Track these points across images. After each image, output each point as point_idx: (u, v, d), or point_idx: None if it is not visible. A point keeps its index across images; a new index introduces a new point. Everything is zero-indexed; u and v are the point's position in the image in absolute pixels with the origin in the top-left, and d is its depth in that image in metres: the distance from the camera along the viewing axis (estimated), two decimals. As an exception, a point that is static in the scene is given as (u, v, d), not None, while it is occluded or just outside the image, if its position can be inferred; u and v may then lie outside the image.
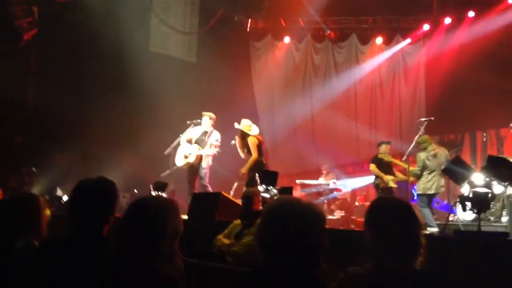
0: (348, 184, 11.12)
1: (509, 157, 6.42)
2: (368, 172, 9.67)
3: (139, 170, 9.17)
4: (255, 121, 8.32)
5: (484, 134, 10.59)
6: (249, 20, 12.66)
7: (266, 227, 1.77)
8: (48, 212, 3.00)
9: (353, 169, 12.04)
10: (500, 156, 7.42)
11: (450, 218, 8.15)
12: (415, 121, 9.08)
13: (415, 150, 7.90)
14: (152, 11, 11.06)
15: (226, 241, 4.58)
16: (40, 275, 2.20)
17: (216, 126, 7.94)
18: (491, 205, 4.56)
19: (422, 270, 1.97)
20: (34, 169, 8.78)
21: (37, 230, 2.78)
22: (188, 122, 8.05)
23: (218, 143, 7.78)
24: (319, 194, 10.37)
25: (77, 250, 2.18)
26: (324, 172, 10.78)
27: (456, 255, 3.85)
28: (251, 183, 6.68)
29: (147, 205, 2.05)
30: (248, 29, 12.75)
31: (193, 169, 7.79)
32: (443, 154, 7.52)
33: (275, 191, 5.67)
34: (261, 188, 5.63)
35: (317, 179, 10.63)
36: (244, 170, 7.15)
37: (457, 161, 5.14)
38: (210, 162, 7.79)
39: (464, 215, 7.13)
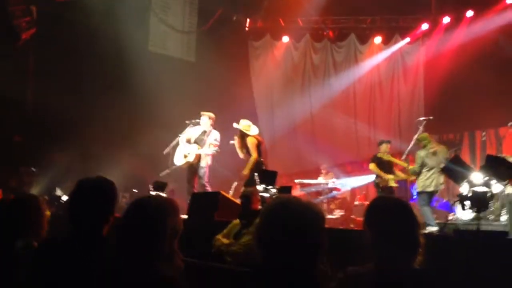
0: (348, 183, 11.12)
1: (508, 156, 6.43)
2: (367, 171, 9.68)
3: (139, 169, 9.17)
4: (254, 120, 8.32)
5: (483, 133, 10.61)
6: (248, 19, 12.65)
7: (265, 227, 1.77)
8: (48, 212, 2.99)
9: (353, 168, 12.06)
10: (499, 155, 7.44)
11: (450, 217, 8.18)
12: (414, 120, 9.08)
13: (415, 149, 7.91)
14: (151, 10, 11.06)
15: (225, 240, 4.58)
16: (40, 275, 2.20)
17: (215, 125, 7.94)
18: (490, 204, 4.57)
19: (421, 269, 1.97)
20: (33, 169, 8.78)
21: (37, 231, 2.78)
22: (187, 121, 8.05)
23: (217, 143, 7.78)
24: (318, 193, 10.37)
25: (76, 250, 2.18)
26: (323, 171, 10.78)
27: (456, 254, 3.85)
28: (250, 183, 6.68)
29: (146, 205, 2.05)
30: (246, 29, 12.75)
31: (192, 168, 7.79)
32: (443, 152, 7.54)
33: (274, 190, 5.67)
34: (260, 187, 5.63)
35: (316, 178, 10.64)
36: (246, 171, 7.10)
37: (456, 161, 5.14)
38: (209, 162, 7.79)
39: (464, 214, 7.15)
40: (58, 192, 8.50)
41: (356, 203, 10.40)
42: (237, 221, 4.79)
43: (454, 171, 4.90)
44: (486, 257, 3.69)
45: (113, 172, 8.21)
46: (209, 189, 7.59)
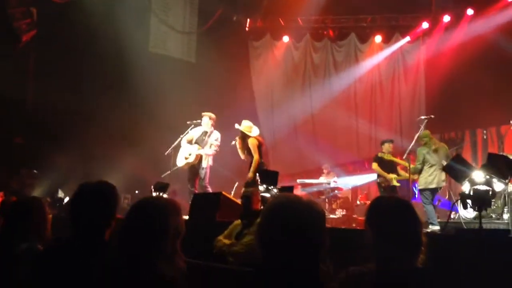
0: (349, 182, 11.12)
1: (510, 154, 6.42)
2: (368, 171, 9.68)
3: (140, 170, 9.17)
4: (255, 120, 8.32)
5: (485, 131, 10.59)
6: (248, 19, 12.66)
7: (265, 226, 1.76)
8: (49, 215, 3.00)
9: (354, 167, 12.05)
10: (501, 153, 7.43)
11: (452, 216, 8.17)
12: (415, 119, 9.08)
13: (416, 147, 7.90)
14: (152, 11, 11.07)
15: (227, 241, 4.59)
16: (42, 279, 2.20)
17: (216, 126, 7.94)
18: (492, 203, 4.56)
19: (424, 268, 1.97)
20: (35, 171, 8.78)
21: (41, 233, 2.78)
22: (188, 122, 8.06)
23: (218, 143, 7.80)
24: (320, 193, 10.38)
25: (79, 254, 2.18)
26: (325, 171, 10.78)
27: (458, 253, 3.85)
28: (250, 183, 6.69)
29: (148, 206, 2.05)
30: (247, 29, 12.75)
31: (194, 169, 7.80)
32: (443, 149, 7.56)
33: (275, 190, 5.67)
34: (261, 188, 5.63)
35: (318, 178, 10.64)
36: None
37: (457, 159, 5.13)
38: (211, 162, 7.80)
39: (466, 213, 7.14)
40: (60, 194, 8.51)
41: (358, 202, 10.39)
42: (238, 221, 4.80)
43: (455, 169, 4.89)
44: (488, 256, 3.69)
45: (114, 173, 8.23)
46: (209, 190, 7.60)
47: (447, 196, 9.20)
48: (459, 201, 4.41)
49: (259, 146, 7.34)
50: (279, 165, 9.53)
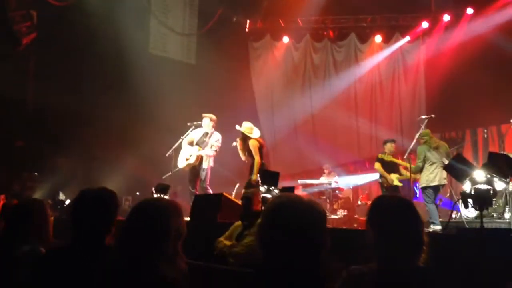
0: (350, 182, 11.11)
1: (511, 153, 6.42)
2: (369, 170, 9.67)
3: (141, 172, 9.18)
4: (255, 121, 8.32)
5: (485, 130, 10.58)
6: (248, 20, 12.66)
7: (266, 226, 1.75)
8: (51, 217, 3.00)
9: (355, 167, 12.05)
10: (502, 152, 7.42)
11: (454, 215, 8.16)
12: (416, 119, 9.07)
13: (416, 147, 7.90)
14: (151, 13, 11.07)
15: (228, 242, 4.58)
16: (43, 281, 2.20)
17: (216, 127, 7.95)
18: (493, 202, 4.55)
19: (425, 267, 1.97)
20: (36, 174, 8.78)
21: (43, 235, 2.78)
22: (188, 124, 8.06)
23: (219, 144, 7.80)
24: (321, 193, 10.38)
25: (79, 258, 2.18)
26: (326, 171, 10.79)
27: (459, 252, 3.84)
28: (250, 185, 6.68)
29: (150, 208, 2.05)
30: (246, 30, 12.76)
31: (195, 170, 7.80)
32: (444, 147, 7.56)
33: (276, 191, 5.67)
34: (262, 188, 5.63)
35: (318, 178, 10.64)
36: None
37: (458, 158, 5.12)
38: (211, 163, 7.80)
39: (467, 212, 7.12)
40: (61, 196, 8.51)
41: (359, 202, 10.39)
42: (238, 222, 4.79)
43: (456, 169, 4.88)
44: (490, 255, 3.68)
45: (115, 175, 8.24)
46: (210, 191, 7.60)
47: (448, 195, 9.20)
48: (460, 200, 4.41)
49: (260, 148, 7.34)
50: (280, 166, 9.53)
